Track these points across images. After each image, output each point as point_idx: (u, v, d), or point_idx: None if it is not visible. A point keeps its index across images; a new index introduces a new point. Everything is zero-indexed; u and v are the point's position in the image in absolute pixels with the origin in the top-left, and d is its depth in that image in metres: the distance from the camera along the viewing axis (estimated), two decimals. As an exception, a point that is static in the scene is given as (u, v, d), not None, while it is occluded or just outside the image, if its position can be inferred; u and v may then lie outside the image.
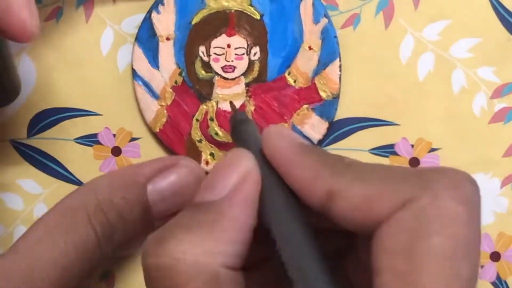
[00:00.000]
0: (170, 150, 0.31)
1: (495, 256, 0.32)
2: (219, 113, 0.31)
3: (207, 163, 0.31)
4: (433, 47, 0.31)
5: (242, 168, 0.22)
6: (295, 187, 0.22)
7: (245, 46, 0.31)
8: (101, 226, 0.27)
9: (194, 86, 0.31)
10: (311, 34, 0.30)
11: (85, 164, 0.32)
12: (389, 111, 0.31)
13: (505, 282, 0.32)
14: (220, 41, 0.31)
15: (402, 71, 0.31)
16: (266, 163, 0.22)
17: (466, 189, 0.19)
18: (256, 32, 0.31)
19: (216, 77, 0.31)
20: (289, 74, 0.31)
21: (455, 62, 0.31)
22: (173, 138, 0.31)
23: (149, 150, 0.31)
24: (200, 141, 0.31)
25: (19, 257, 0.26)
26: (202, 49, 0.31)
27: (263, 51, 0.31)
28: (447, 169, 0.20)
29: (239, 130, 0.24)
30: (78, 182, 0.32)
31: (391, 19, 0.31)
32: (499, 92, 0.31)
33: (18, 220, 0.32)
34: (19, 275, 0.25)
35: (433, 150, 0.31)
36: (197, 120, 0.31)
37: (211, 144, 0.31)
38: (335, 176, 0.21)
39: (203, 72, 0.31)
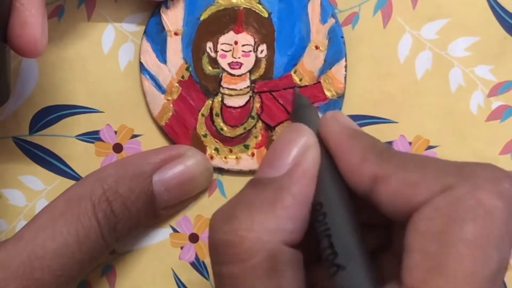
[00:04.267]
0: (174, 144, 0.32)
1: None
2: (224, 108, 0.31)
3: (211, 157, 0.31)
4: (431, 45, 0.31)
5: (302, 143, 0.23)
6: (344, 170, 0.22)
7: (252, 43, 0.31)
8: (105, 216, 0.27)
9: (201, 82, 0.31)
10: (318, 33, 0.31)
11: (87, 161, 0.32)
12: (387, 108, 0.32)
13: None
14: (228, 37, 0.31)
15: (400, 69, 0.31)
16: (322, 146, 0.23)
17: (506, 186, 0.20)
18: (264, 30, 0.31)
19: (223, 73, 0.31)
20: (295, 72, 0.31)
21: (453, 61, 0.31)
22: (178, 132, 0.31)
23: (151, 147, 0.32)
24: (205, 135, 0.31)
25: (21, 245, 0.26)
26: (209, 45, 0.31)
27: (270, 49, 0.31)
28: (490, 165, 0.20)
29: (301, 114, 0.25)
30: (79, 179, 0.32)
31: (389, 18, 0.31)
32: (496, 90, 0.32)
33: (20, 216, 0.32)
34: (19, 264, 0.26)
35: (430, 147, 0.32)
36: (202, 115, 0.31)
37: (216, 139, 0.31)
38: (381, 162, 0.21)
39: (210, 67, 0.31)
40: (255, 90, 0.31)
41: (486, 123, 0.32)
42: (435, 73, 0.31)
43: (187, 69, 0.31)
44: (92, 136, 0.32)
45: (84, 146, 0.32)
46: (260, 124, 0.31)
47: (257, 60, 0.31)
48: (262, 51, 0.31)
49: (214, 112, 0.31)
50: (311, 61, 0.31)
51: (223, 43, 0.31)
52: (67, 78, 0.32)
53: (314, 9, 0.31)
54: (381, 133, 0.32)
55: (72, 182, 0.32)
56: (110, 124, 0.32)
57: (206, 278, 0.32)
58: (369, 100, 0.32)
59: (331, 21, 0.31)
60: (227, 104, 0.31)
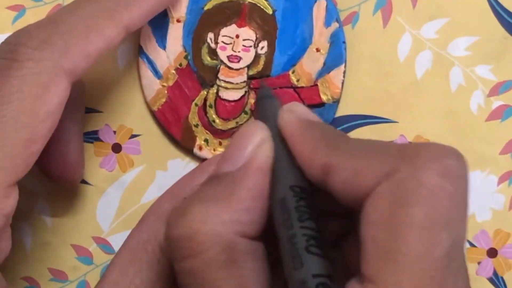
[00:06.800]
0: (166, 132, 0.31)
1: (492, 253, 0.32)
2: (218, 101, 0.31)
3: (200, 148, 0.31)
4: (431, 45, 0.31)
5: (257, 139, 0.23)
6: (298, 161, 0.22)
7: (254, 39, 0.31)
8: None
9: (198, 71, 0.31)
10: (321, 36, 0.31)
11: (86, 161, 0.32)
12: (387, 108, 0.32)
13: (502, 278, 0.32)
14: (230, 30, 0.31)
15: (400, 69, 0.31)
16: (281, 138, 0.23)
17: (450, 162, 0.20)
18: (267, 27, 0.31)
19: (221, 65, 0.31)
20: (293, 72, 0.31)
21: (453, 60, 0.31)
22: (170, 119, 0.31)
23: (150, 147, 0.32)
24: (196, 126, 0.31)
25: None
26: (210, 35, 0.31)
27: (271, 46, 0.31)
28: (431, 144, 0.21)
29: (262, 105, 0.25)
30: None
31: (389, 17, 0.31)
32: (496, 90, 0.31)
33: (20, 217, 0.32)
34: None
35: (430, 147, 0.32)
36: (196, 104, 0.31)
37: (207, 130, 0.31)
38: (331, 151, 0.21)
39: (208, 58, 0.31)
40: (251, 86, 0.31)
41: (487, 123, 0.32)
42: (435, 72, 0.31)
43: (185, 57, 0.31)
44: (91, 136, 0.32)
45: (83, 146, 0.32)
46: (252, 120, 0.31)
47: (257, 56, 0.31)
48: (262, 48, 0.31)
49: (207, 103, 0.31)
50: (311, 63, 0.31)
51: (224, 35, 0.31)
52: (66, 78, 0.32)
53: (319, 12, 0.31)
54: (381, 133, 0.32)
55: (71, 182, 0.32)
56: (108, 124, 0.32)
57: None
58: (369, 100, 0.32)
59: (335, 25, 0.31)
60: (221, 97, 0.31)
